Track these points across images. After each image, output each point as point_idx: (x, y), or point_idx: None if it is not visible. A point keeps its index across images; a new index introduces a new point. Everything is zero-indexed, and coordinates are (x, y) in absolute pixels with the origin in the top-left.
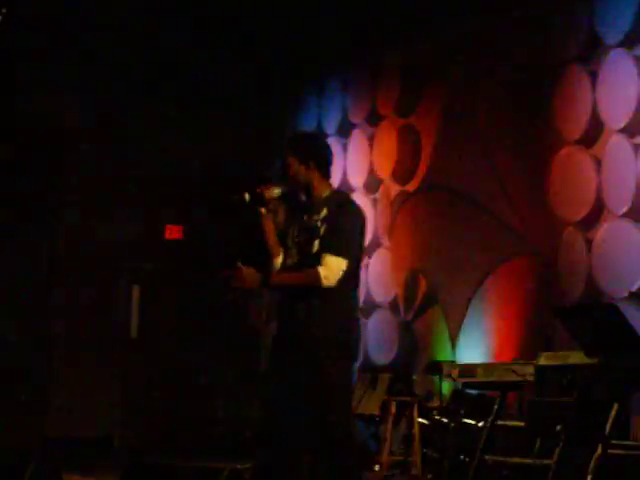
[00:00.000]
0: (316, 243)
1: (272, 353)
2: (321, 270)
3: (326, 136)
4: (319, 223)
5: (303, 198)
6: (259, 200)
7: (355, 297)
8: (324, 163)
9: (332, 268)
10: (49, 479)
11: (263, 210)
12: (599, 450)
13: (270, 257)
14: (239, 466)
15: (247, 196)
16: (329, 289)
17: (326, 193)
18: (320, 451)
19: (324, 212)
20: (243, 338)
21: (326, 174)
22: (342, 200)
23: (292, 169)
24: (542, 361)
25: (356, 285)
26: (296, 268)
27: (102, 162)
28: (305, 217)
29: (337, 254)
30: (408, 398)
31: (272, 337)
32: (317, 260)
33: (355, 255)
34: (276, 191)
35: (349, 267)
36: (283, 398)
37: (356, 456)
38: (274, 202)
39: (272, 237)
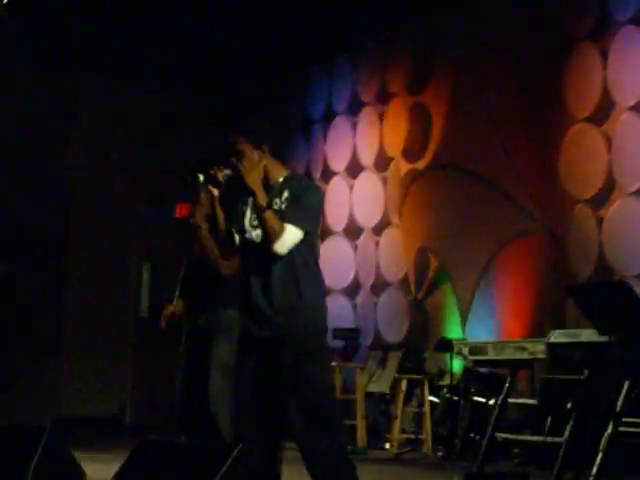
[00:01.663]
0: None
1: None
2: (283, 234)
3: (336, 114)
4: (282, 204)
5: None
6: (212, 181)
7: (318, 270)
8: (276, 147)
9: (287, 236)
10: (60, 457)
11: (215, 192)
12: (610, 428)
13: (223, 238)
14: None
15: (201, 177)
16: (299, 266)
17: (282, 176)
18: (307, 425)
19: (285, 194)
20: None
21: (279, 157)
22: (301, 181)
23: (246, 155)
24: (553, 339)
25: (316, 258)
26: (263, 248)
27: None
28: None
29: (294, 224)
30: (419, 376)
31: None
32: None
33: (312, 230)
34: (227, 172)
35: (306, 241)
36: (258, 379)
37: (342, 425)
38: (222, 185)
39: (221, 218)
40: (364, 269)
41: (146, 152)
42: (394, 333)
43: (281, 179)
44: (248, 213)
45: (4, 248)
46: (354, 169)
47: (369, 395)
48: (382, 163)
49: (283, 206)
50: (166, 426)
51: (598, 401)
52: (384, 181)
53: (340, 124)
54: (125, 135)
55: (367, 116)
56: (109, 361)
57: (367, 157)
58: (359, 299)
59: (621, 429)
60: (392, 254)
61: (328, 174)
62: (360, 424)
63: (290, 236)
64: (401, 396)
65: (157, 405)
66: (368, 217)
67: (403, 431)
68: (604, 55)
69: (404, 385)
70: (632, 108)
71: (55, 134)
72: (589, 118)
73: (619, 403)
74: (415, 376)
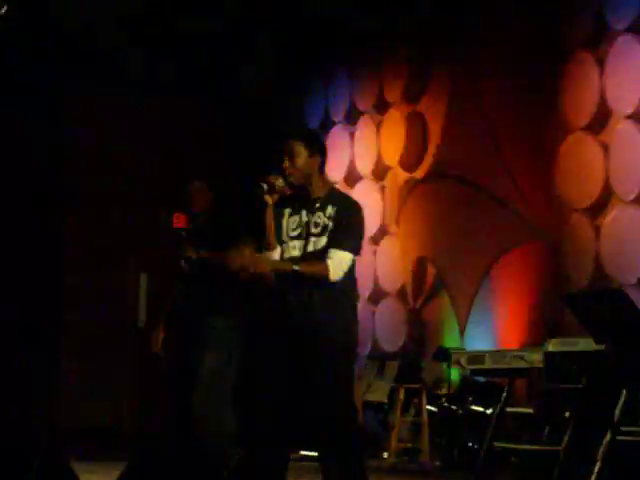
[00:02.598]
0: (323, 239)
1: (268, 345)
2: (330, 263)
3: (333, 124)
4: (327, 220)
5: (293, 192)
6: (270, 190)
7: (356, 290)
8: (325, 160)
9: (339, 262)
10: (58, 467)
11: (270, 200)
12: (608, 436)
13: (267, 249)
14: None
15: (265, 186)
16: (335, 283)
17: (324, 190)
18: (327, 442)
19: (330, 210)
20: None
21: (324, 171)
22: (347, 198)
23: (300, 159)
24: (550, 348)
25: (355, 279)
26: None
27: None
28: (305, 213)
29: (344, 249)
30: (416, 385)
31: (264, 330)
32: (321, 255)
33: (359, 251)
34: (281, 182)
35: (353, 262)
36: (281, 392)
37: (362, 445)
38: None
39: (272, 229)
40: (362, 278)
41: (144, 160)
42: (392, 342)
43: (323, 192)
44: (284, 224)
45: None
46: (352, 178)
47: (367, 404)
48: (380, 172)
49: (329, 223)
50: (164, 436)
51: (595, 410)
52: (382, 190)
53: (337, 133)
54: (123, 142)
55: (364, 125)
56: (106, 372)
57: (365, 166)
58: (358, 308)
59: (619, 438)
60: (390, 263)
61: (330, 182)
62: None
63: (342, 262)
64: (399, 405)
65: (154, 415)
66: (366, 226)
67: (401, 440)
68: (601, 64)
69: (402, 394)
70: (629, 117)
71: (48, 147)
72: (586, 127)
73: (617, 412)
74: (413, 385)
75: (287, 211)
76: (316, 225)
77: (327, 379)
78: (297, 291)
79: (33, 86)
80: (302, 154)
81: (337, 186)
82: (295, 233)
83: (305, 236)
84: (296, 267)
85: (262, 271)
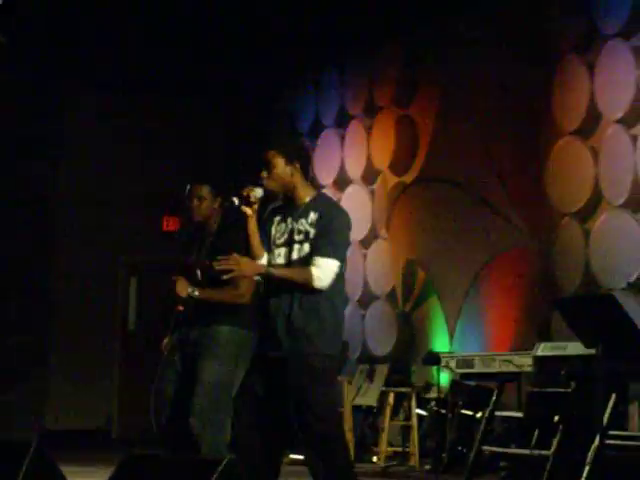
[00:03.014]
0: (306, 246)
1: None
2: (314, 271)
3: (324, 127)
4: (309, 227)
5: (280, 200)
6: (246, 202)
7: (341, 295)
8: (306, 165)
9: (325, 270)
10: (46, 471)
11: (249, 211)
12: (597, 441)
13: (253, 258)
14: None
15: (236, 200)
16: (317, 290)
17: (309, 196)
18: (309, 446)
19: (312, 216)
20: None
21: (307, 177)
22: (330, 204)
23: (278, 168)
24: (540, 352)
25: (342, 284)
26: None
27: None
28: (290, 220)
29: (330, 256)
30: (406, 389)
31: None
32: (306, 263)
33: (345, 257)
34: (259, 192)
35: (339, 269)
36: (265, 395)
37: (346, 448)
38: (257, 204)
39: (256, 239)
40: (352, 282)
41: (139, 162)
42: (381, 346)
43: (308, 198)
44: (272, 231)
45: None
46: (342, 182)
47: (356, 408)
48: (370, 176)
49: (311, 230)
50: (152, 440)
51: (585, 414)
52: (372, 194)
53: (328, 137)
54: (114, 149)
55: (355, 129)
56: (96, 374)
57: (355, 170)
58: (347, 312)
59: (608, 442)
60: (380, 267)
61: (315, 187)
62: (347, 437)
63: (328, 270)
64: (388, 409)
65: (143, 419)
66: (356, 230)
67: (390, 444)
68: (591, 69)
69: (391, 398)
70: (619, 121)
71: (41, 150)
72: (576, 131)
73: (606, 416)
74: (402, 389)
75: (276, 219)
76: (299, 232)
77: (306, 382)
78: (278, 296)
79: (32, 86)
80: (279, 163)
81: (327, 191)
82: (281, 241)
83: (289, 243)
84: (275, 271)
85: (247, 275)
